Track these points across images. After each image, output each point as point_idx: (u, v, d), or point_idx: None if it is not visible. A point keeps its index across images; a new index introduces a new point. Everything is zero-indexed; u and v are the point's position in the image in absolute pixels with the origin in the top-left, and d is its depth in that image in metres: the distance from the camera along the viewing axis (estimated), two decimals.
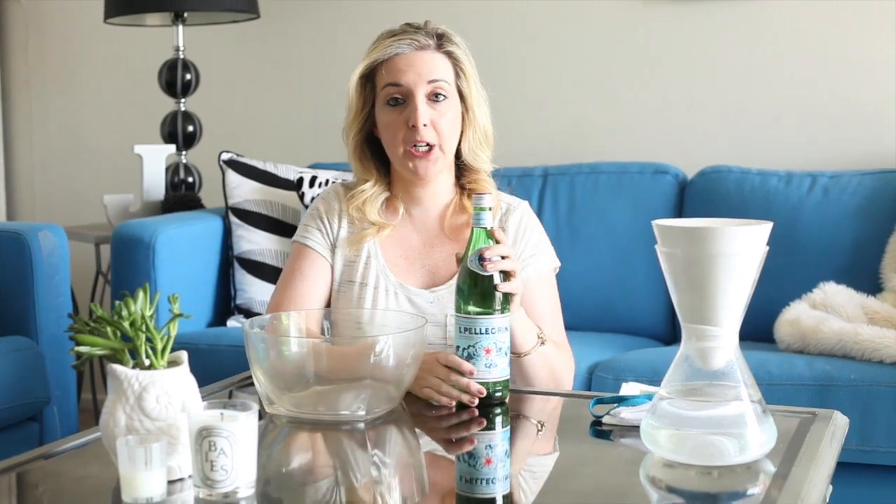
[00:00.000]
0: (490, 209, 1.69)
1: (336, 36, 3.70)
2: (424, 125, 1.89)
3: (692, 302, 1.38)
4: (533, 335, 1.85)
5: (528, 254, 1.96)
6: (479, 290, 1.67)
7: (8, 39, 4.20)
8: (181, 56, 3.55)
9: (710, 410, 1.41)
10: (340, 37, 3.68)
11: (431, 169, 1.93)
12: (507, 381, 1.71)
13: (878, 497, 2.38)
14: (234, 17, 3.58)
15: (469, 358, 1.67)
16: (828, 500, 1.46)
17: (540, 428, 1.72)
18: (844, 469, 1.89)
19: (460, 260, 1.72)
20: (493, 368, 1.68)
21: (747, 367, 1.41)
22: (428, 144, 1.90)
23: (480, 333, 1.67)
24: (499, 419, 1.67)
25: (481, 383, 1.67)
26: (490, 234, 1.70)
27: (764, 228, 1.36)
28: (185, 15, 3.53)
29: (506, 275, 1.69)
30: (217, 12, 3.50)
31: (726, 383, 1.40)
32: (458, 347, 1.69)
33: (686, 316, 1.40)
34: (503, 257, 1.69)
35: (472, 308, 1.67)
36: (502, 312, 1.68)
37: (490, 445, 1.60)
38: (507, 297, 1.69)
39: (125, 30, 3.82)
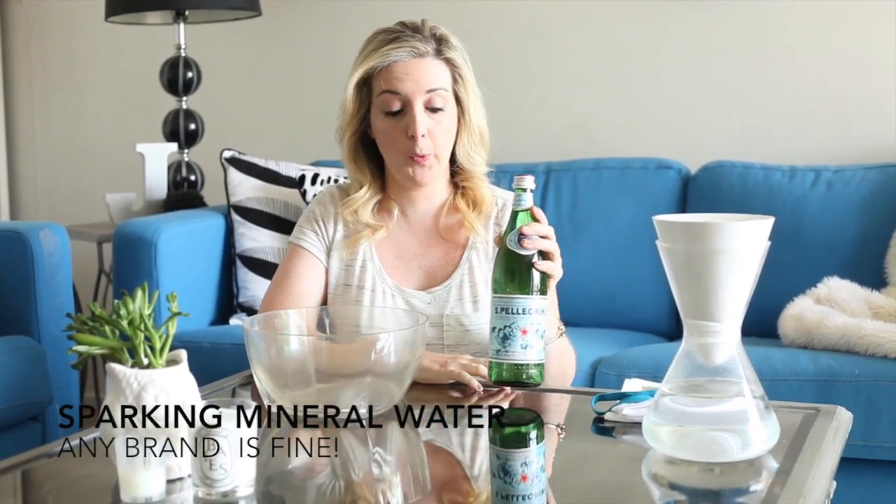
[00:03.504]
0: (532, 190, 1.70)
1: (337, 33, 3.69)
2: (423, 136, 1.88)
3: (693, 297, 1.37)
4: (555, 325, 1.86)
5: None
6: (518, 270, 1.68)
7: (10, 39, 4.20)
8: (183, 54, 3.55)
9: (712, 407, 1.40)
10: (342, 34, 3.67)
11: (428, 175, 1.93)
12: (542, 364, 1.70)
13: (883, 492, 2.37)
14: (235, 15, 3.58)
15: (505, 339, 1.67)
16: (832, 496, 1.45)
17: (560, 431, 1.67)
18: (849, 465, 1.88)
19: (500, 240, 1.71)
20: (528, 349, 1.67)
21: (749, 363, 1.41)
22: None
23: (517, 314, 1.66)
24: (533, 433, 1.62)
25: (516, 364, 1.67)
26: (532, 216, 1.71)
27: (765, 223, 1.35)
28: (187, 13, 3.52)
29: (544, 256, 1.70)
30: (218, 10, 3.49)
31: (728, 379, 1.39)
32: (493, 329, 1.69)
33: (687, 311, 1.39)
34: (543, 238, 1.70)
35: (509, 288, 1.68)
36: (541, 294, 1.68)
37: (525, 462, 1.55)
38: (545, 280, 1.69)
39: (126, 28, 3.81)
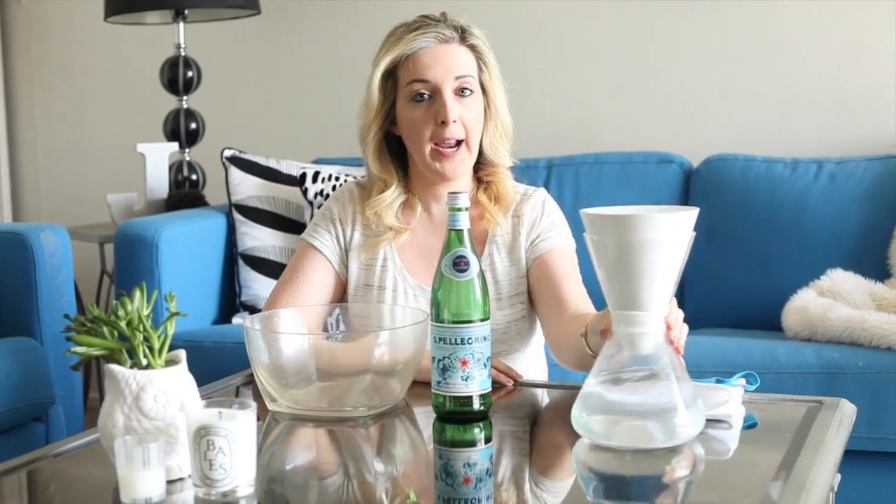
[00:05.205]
0: (466, 209, 1.56)
1: (337, 31, 3.68)
2: (454, 121, 1.85)
3: (620, 288, 1.39)
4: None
5: (544, 228, 1.93)
6: (455, 297, 1.55)
7: (10, 40, 4.20)
8: (182, 53, 3.54)
9: (639, 395, 1.40)
10: (342, 31, 3.67)
11: (458, 169, 1.89)
12: (489, 393, 1.58)
13: (889, 484, 2.37)
14: (234, 14, 3.57)
15: (444, 370, 1.55)
16: (836, 488, 1.45)
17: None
18: (854, 457, 1.87)
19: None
20: (470, 381, 1.55)
21: (675, 352, 1.41)
22: (456, 142, 1.87)
23: (456, 344, 1.54)
24: (481, 434, 1.56)
25: (458, 397, 1.55)
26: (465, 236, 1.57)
27: (690, 215, 1.37)
28: (186, 12, 3.52)
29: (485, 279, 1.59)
30: (218, 9, 3.49)
31: (655, 368, 1.40)
32: (433, 359, 1.57)
33: (615, 303, 1.40)
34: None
35: (447, 316, 1.55)
36: (482, 320, 1.56)
37: (469, 463, 1.49)
38: (486, 302, 1.57)
39: (126, 28, 3.81)
